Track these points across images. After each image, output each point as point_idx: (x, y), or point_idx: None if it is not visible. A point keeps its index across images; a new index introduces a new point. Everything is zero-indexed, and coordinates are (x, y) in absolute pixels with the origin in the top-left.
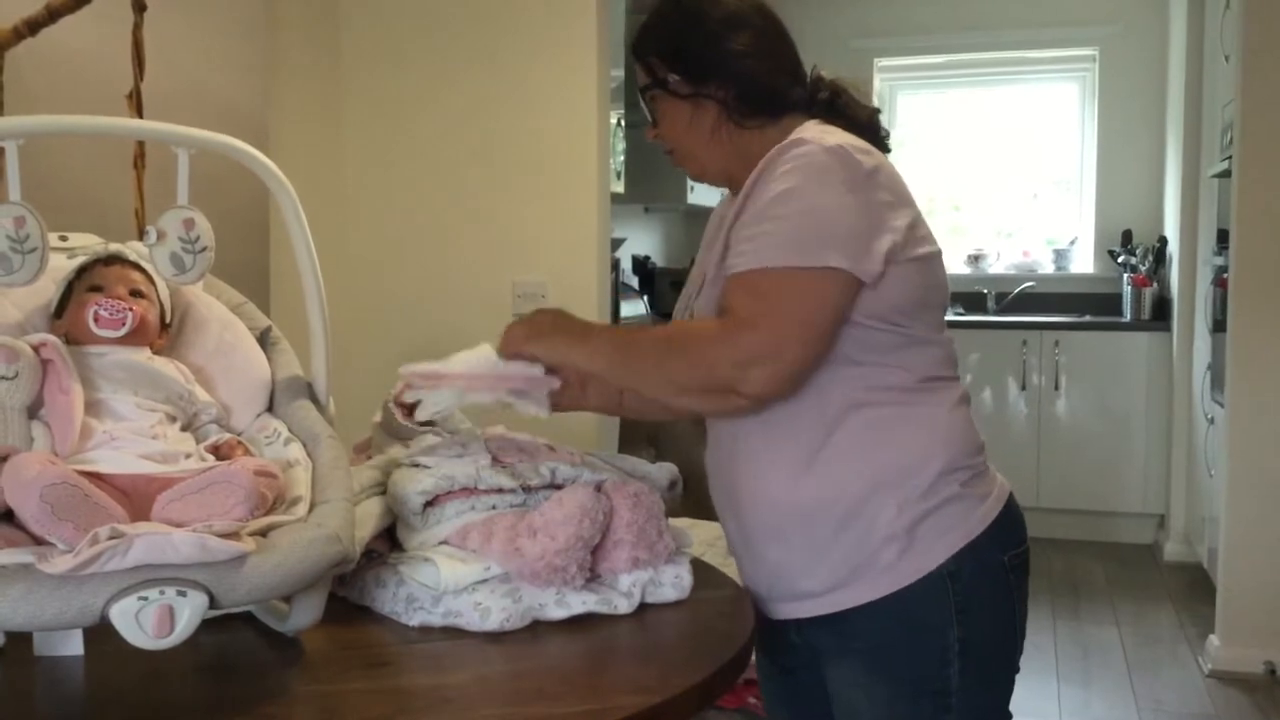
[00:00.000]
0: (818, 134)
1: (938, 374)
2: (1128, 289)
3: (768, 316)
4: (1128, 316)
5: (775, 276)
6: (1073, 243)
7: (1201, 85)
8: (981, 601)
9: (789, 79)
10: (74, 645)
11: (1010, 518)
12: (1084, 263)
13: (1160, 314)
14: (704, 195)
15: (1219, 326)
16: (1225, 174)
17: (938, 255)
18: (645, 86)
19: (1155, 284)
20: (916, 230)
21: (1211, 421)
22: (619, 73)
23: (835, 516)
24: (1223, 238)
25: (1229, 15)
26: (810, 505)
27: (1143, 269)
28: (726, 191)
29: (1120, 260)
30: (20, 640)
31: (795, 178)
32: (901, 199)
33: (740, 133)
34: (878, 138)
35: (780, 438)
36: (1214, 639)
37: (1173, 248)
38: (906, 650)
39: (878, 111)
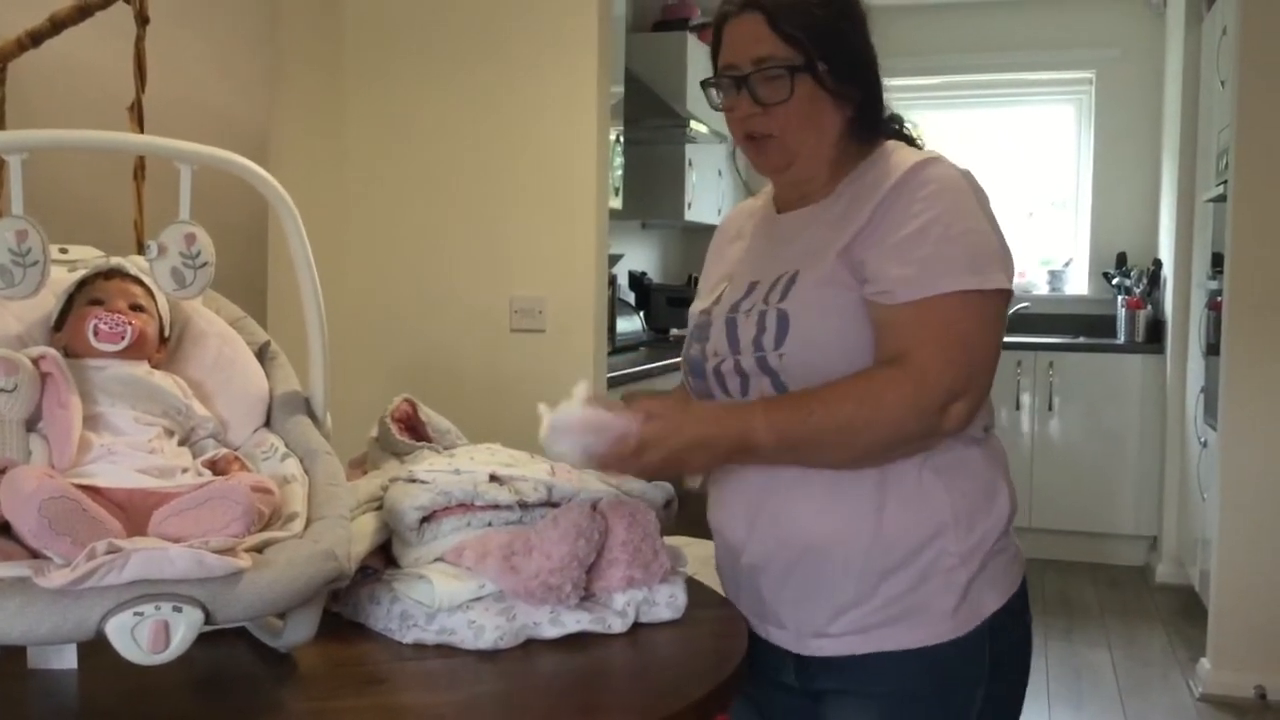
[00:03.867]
0: (940, 155)
1: (988, 420)
2: (1122, 311)
3: (957, 348)
4: (1122, 338)
5: (957, 302)
6: (1068, 264)
7: (1197, 109)
8: (1011, 659)
9: (882, 99)
10: (68, 659)
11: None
12: (1079, 284)
13: (1154, 336)
14: (702, 211)
15: (1213, 350)
16: (1220, 198)
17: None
18: (783, 63)
19: (1149, 306)
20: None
21: (1204, 444)
22: (619, 89)
23: (896, 555)
24: (1217, 261)
25: (1225, 40)
26: (871, 539)
27: (1137, 291)
28: (767, 193)
29: (1115, 282)
30: (13, 654)
31: (946, 198)
32: None
33: (851, 145)
34: None
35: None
36: (1205, 662)
37: (1167, 270)
38: (932, 703)
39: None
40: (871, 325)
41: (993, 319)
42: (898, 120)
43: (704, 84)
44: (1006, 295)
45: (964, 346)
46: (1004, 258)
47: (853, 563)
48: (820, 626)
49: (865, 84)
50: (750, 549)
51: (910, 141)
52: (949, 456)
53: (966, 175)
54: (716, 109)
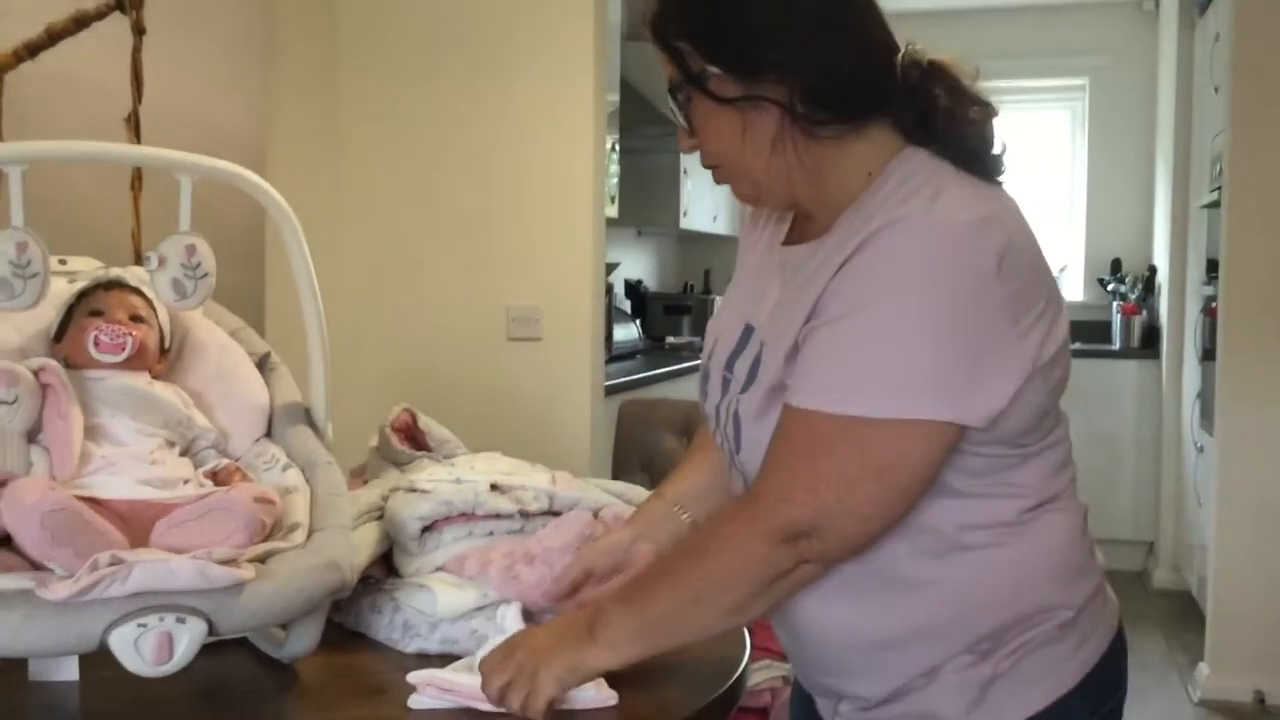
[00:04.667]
0: (945, 212)
1: (1054, 489)
2: (1117, 317)
3: (811, 484)
4: (1117, 344)
5: (839, 425)
6: (1062, 270)
7: (1191, 116)
8: None
9: (878, 66)
10: (69, 671)
11: (1113, 660)
12: (1074, 290)
13: (1149, 342)
14: (698, 219)
15: (1208, 355)
16: (1215, 204)
17: (1067, 329)
18: (675, 85)
19: (1145, 312)
20: (1051, 315)
21: (1201, 450)
22: (614, 97)
23: (897, 649)
24: (1212, 267)
25: (1219, 46)
26: (866, 637)
27: (1132, 297)
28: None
29: (1110, 288)
30: (15, 665)
31: (900, 287)
32: (1037, 278)
33: (811, 144)
34: (989, 164)
35: (851, 564)
36: (1203, 667)
37: (1162, 276)
38: None
39: (991, 115)
40: None
41: (882, 453)
42: (933, 89)
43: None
44: (939, 428)
45: (812, 483)
46: (940, 378)
47: (845, 656)
48: (838, 705)
49: (789, 69)
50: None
51: (956, 132)
52: (968, 558)
53: (962, 237)
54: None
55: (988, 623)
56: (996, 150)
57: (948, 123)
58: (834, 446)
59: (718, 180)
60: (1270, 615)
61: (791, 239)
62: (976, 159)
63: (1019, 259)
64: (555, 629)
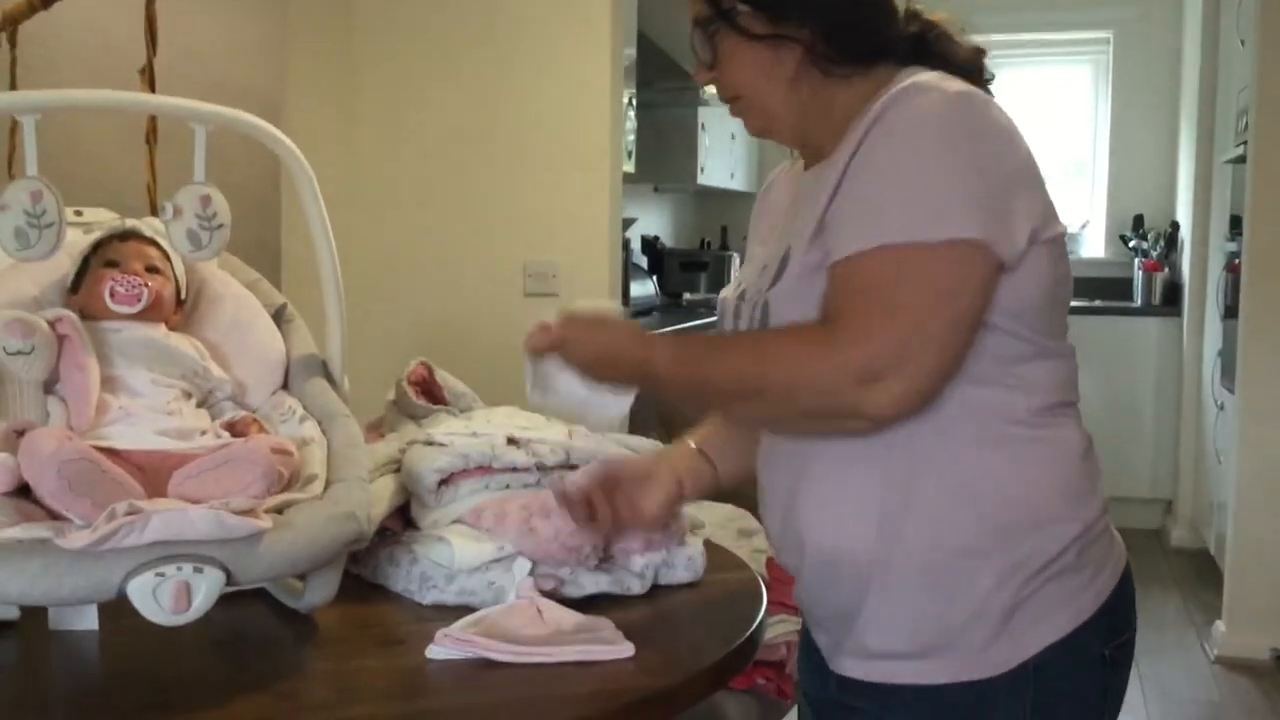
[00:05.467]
0: (935, 79)
1: (1063, 399)
2: (1139, 274)
3: (888, 314)
4: (1139, 301)
5: (893, 257)
6: (1084, 227)
7: (1216, 69)
8: (1064, 706)
9: (887, 15)
10: (89, 620)
11: (1123, 597)
12: (1095, 247)
13: (1171, 299)
14: (715, 175)
15: (1230, 313)
16: (1240, 159)
17: (1064, 236)
18: (704, 20)
19: (1166, 269)
20: (1050, 213)
21: (1221, 408)
22: (631, 51)
23: (919, 573)
24: (1235, 223)
25: None
26: (890, 554)
27: (1154, 254)
28: (789, 159)
29: (1132, 245)
30: (36, 614)
31: (916, 133)
32: (1036, 163)
33: (825, 83)
34: (981, 84)
35: (869, 464)
36: (1220, 625)
37: (1185, 233)
38: None
39: (981, 52)
40: None
41: (948, 278)
42: (926, 31)
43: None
44: (979, 250)
45: (900, 311)
46: (984, 202)
47: (861, 575)
48: (841, 643)
49: (812, 12)
50: (781, 548)
51: (945, 60)
52: (991, 455)
53: (963, 99)
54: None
55: (1008, 532)
56: (986, 79)
57: (942, 61)
58: (902, 277)
59: (734, 113)
60: None
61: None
62: (970, 73)
63: (1026, 142)
64: (623, 331)
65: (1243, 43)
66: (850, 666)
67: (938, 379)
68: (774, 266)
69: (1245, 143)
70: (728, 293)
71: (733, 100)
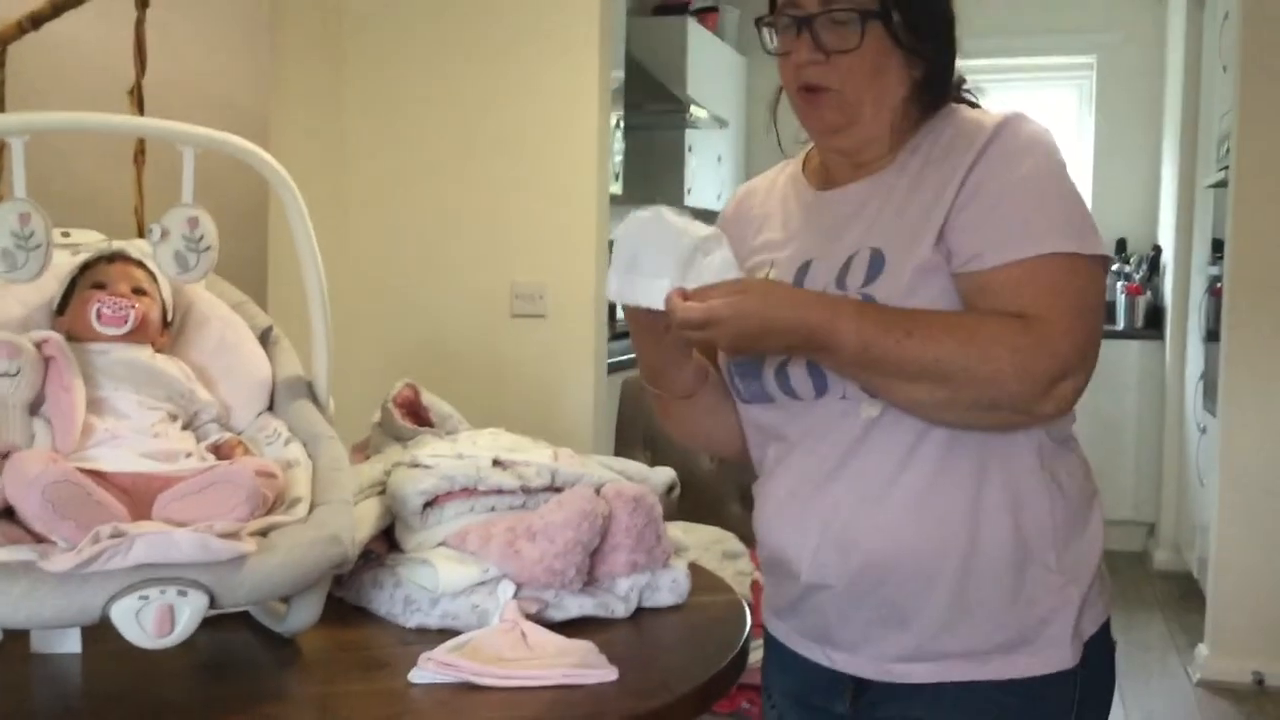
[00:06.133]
0: (1022, 112)
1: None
2: (1121, 297)
3: (1079, 316)
4: (1121, 325)
5: (1069, 265)
6: None
7: (1199, 95)
8: (1097, 695)
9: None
10: (71, 643)
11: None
12: None
13: (1153, 322)
14: (702, 197)
15: (1212, 336)
16: (1221, 184)
17: None
18: (859, 8)
19: (1149, 292)
20: None
21: (1203, 431)
22: (619, 73)
23: (997, 570)
24: (1217, 247)
25: (1227, 25)
26: (967, 552)
27: (1137, 277)
28: (788, 171)
29: (1114, 268)
30: (17, 637)
31: (1042, 156)
32: None
33: (913, 110)
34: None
35: (956, 468)
36: (1203, 648)
37: (1167, 256)
38: None
39: (962, 81)
40: (963, 303)
41: (1100, 289)
42: (961, 84)
43: (759, 22)
44: (1106, 264)
45: (1080, 315)
46: (1095, 225)
47: (944, 581)
48: (902, 651)
49: (941, 42)
50: (815, 566)
51: (973, 106)
52: (1053, 459)
53: (1050, 134)
54: (769, 53)
55: (1071, 530)
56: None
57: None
58: (1082, 283)
59: (810, 106)
60: (1270, 597)
61: (829, 185)
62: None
63: None
64: (797, 297)
65: (1224, 68)
66: (909, 672)
67: (1086, 384)
68: (855, 267)
69: (1227, 167)
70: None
71: (823, 90)
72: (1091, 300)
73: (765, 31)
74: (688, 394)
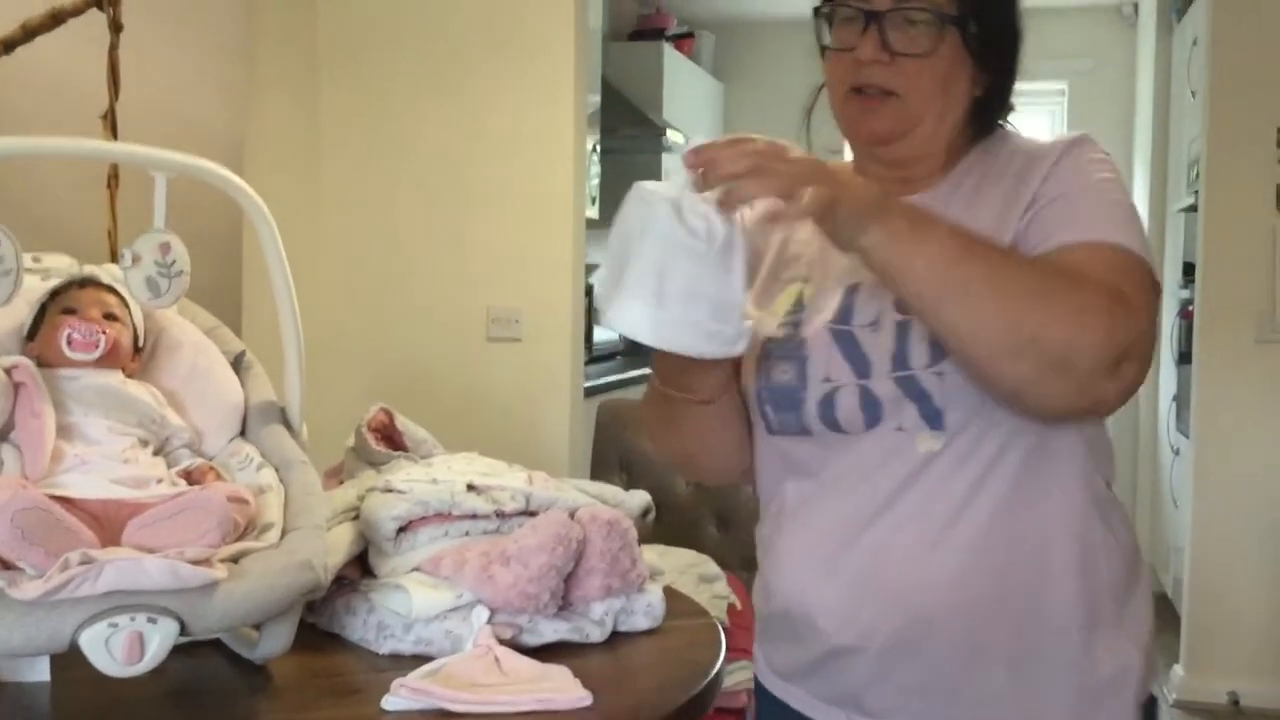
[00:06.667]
0: (1087, 134)
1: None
2: None
3: (1146, 305)
4: None
5: (1138, 264)
6: None
7: (1169, 120)
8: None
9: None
10: (40, 671)
11: None
12: None
13: None
14: None
15: (1184, 359)
16: (1191, 209)
17: None
18: (938, 11)
19: None
20: None
21: (1177, 453)
22: (596, 97)
23: (1075, 625)
24: (1189, 271)
25: (1196, 51)
26: (1037, 604)
27: None
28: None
29: None
30: None
31: (1116, 173)
32: None
33: (968, 129)
34: None
35: (1026, 502)
36: (1178, 669)
37: None
38: None
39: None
40: None
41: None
42: (1012, 110)
43: (817, 11)
44: (1158, 296)
45: (1150, 309)
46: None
47: (1002, 643)
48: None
49: (1009, 61)
50: (846, 624)
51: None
52: (1106, 506)
53: None
54: (825, 46)
55: (1139, 554)
56: None
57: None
58: (1148, 282)
59: (865, 110)
60: (1245, 617)
61: None
62: None
63: None
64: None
65: (1193, 95)
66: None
67: (1142, 381)
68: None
69: (1197, 192)
70: (769, 325)
71: (883, 95)
72: (1154, 311)
73: (823, 23)
74: (711, 398)
